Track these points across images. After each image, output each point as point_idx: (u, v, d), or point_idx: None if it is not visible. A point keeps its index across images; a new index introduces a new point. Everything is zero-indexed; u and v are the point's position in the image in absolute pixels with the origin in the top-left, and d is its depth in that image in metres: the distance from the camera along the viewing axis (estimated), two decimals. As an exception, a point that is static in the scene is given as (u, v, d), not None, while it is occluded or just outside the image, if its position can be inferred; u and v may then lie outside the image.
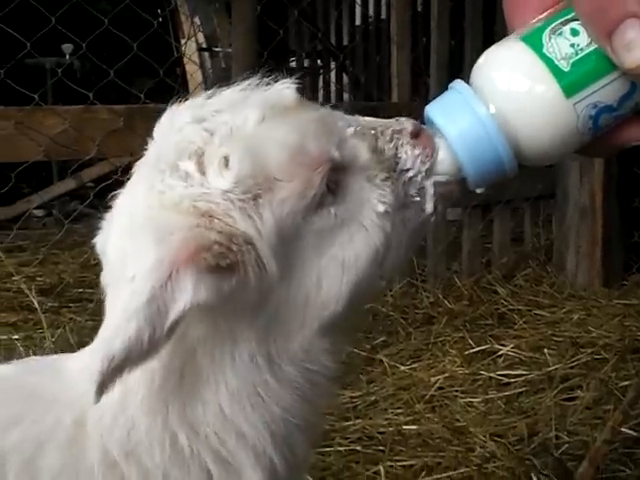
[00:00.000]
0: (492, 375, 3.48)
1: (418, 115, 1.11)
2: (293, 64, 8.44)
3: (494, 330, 4.12)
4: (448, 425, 3.06)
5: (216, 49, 10.05)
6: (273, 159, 1.00)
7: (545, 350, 3.68)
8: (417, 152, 1.09)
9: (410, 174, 1.10)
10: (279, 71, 1.13)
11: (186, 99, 1.10)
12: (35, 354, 3.59)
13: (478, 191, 1.07)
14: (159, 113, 3.44)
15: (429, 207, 1.11)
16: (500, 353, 3.69)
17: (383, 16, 7.85)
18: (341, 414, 3.28)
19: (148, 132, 3.47)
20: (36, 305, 4.03)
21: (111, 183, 4.91)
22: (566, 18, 0.92)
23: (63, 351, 3.45)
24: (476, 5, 4.87)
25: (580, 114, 0.92)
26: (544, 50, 0.92)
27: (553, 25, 0.93)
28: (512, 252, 5.09)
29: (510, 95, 0.94)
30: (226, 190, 0.98)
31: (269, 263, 0.99)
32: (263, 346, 1.04)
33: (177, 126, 1.05)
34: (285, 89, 1.09)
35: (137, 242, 0.97)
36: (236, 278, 0.97)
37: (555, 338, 3.91)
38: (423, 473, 2.75)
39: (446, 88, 1.03)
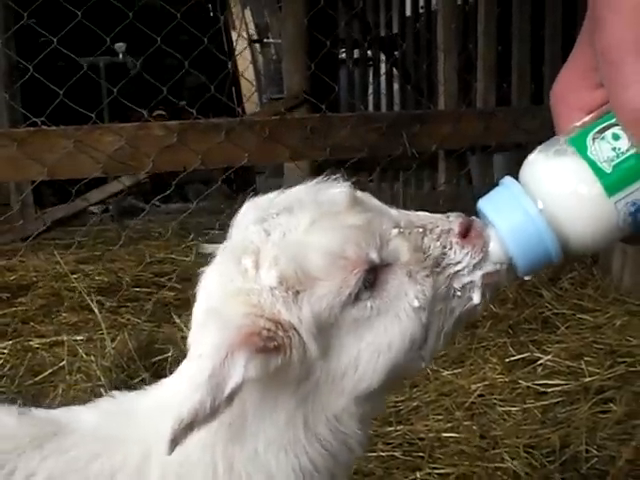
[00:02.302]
0: (530, 384, 3.57)
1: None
2: (343, 54, 8.52)
3: (537, 335, 4.18)
4: (485, 434, 3.17)
5: (267, 40, 10.23)
6: (314, 262, 1.17)
7: (584, 359, 3.75)
8: (465, 251, 1.22)
9: (457, 268, 1.23)
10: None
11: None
12: (96, 359, 3.80)
13: (526, 278, 1.19)
14: (210, 128, 3.67)
15: (476, 298, 1.24)
16: (540, 362, 3.76)
17: (435, 7, 7.88)
18: (385, 419, 3.42)
19: (200, 146, 3.70)
20: (94, 308, 4.20)
21: (165, 181, 5.11)
22: (609, 123, 1.01)
23: (122, 356, 3.65)
24: (523, 10, 4.92)
25: (621, 211, 1.01)
26: (588, 153, 1.01)
27: (597, 129, 1.02)
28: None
29: (557, 194, 1.04)
30: (272, 287, 1.17)
31: (310, 347, 1.18)
32: (300, 410, 1.24)
33: (245, 223, 1.25)
34: (338, 194, 1.24)
35: (206, 325, 1.19)
36: (281, 357, 1.16)
37: (596, 345, 3.96)
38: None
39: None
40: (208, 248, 1.31)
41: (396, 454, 3.10)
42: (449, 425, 3.30)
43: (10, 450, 1.29)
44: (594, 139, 1.02)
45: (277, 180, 8.21)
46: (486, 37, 4.77)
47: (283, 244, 1.19)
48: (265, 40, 9.99)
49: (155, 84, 4.36)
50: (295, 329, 1.17)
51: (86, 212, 6.77)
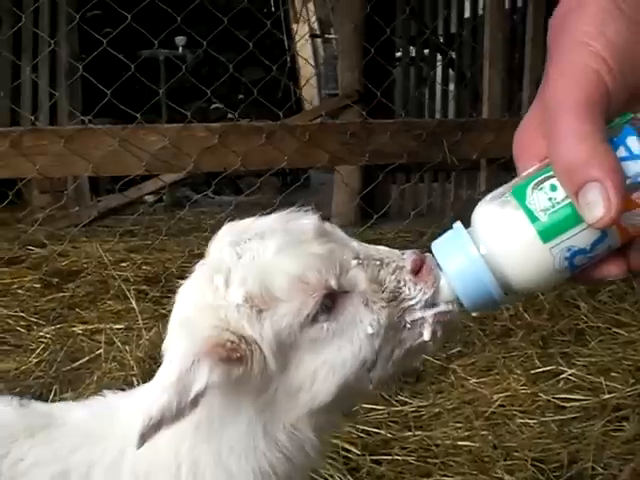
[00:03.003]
0: (550, 398, 3.59)
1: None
2: (399, 53, 8.51)
3: (569, 347, 4.19)
4: (498, 445, 3.21)
5: (329, 35, 10.26)
6: (278, 284, 1.29)
7: (609, 375, 3.75)
8: (418, 287, 1.31)
9: (410, 303, 1.32)
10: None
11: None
12: (131, 348, 3.95)
13: (474, 314, 1.28)
14: (251, 131, 3.80)
15: (427, 335, 1.33)
16: (563, 376, 3.78)
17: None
18: (405, 423, 3.48)
19: (241, 148, 3.82)
20: (132, 300, 4.32)
21: (219, 172, 5.20)
22: (548, 174, 1.08)
23: (156, 347, 3.76)
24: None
25: (556, 257, 1.08)
26: (526, 202, 1.09)
27: (537, 180, 1.09)
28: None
29: (497, 240, 1.12)
30: (239, 304, 1.29)
31: (269, 361, 1.30)
32: (260, 418, 1.36)
33: (221, 245, 1.36)
34: (307, 224, 1.36)
35: (178, 334, 1.33)
36: (243, 368, 1.28)
37: (624, 361, 3.96)
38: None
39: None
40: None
41: (410, 459, 3.15)
42: (466, 434, 3.34)
43: (5, 437, 1.43)
44: (533, 189, 1.09)
45: (329, 175, 8.31)
46: (534, 45, 4.77)
47: (251, 266, 1.30)
48: (326, 35, 10.07)
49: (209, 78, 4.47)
50: (257, 344, 1.28)
51: (140, 201, 6.95)
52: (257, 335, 1.28)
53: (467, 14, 8.55)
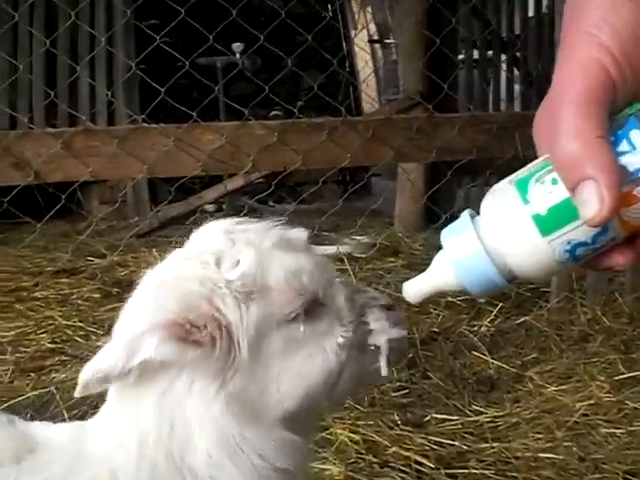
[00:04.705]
0: (638, 406, 3.36)
1: None
2: (461, 56, 8.34)
3: (652, 352, 3.97)
4: (585, 457, 2.99)
5: (387, 41, 10.10)
6: (273, 272, 1.32)
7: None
8: (381, 315, 1.42)
9: (371, 327, 1.41)
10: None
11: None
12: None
13: (481, 300, 1.24)
14: (312, 128, 3.59)
15: (383, 361, 1.41)
16: (651, 382, 3.55)
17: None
18: (480, 434, 3.29)
19: (301, 146, 3.61)
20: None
21: (279, 181, 5.12)
22: (551, 167, 1.07)
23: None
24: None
25: (556, 250, 1.08)
26: (527, 195, 1.08)
27: (540, 173, 1.08)
28: (682, 266, 4.85)
29: (498, 231, 1.12)
30: (230, 280, 1.30)
31: (242, 346, 1.30)
32: (235, 409, 1.31)
33: (210, 233, 1.38)
34: (300, 233, 1.43)
35: (144, 300, 1.34)
36: (202, 351, 1.27)
37: None
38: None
39: None
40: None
41: (488, 472, 2.97)
42: (548, 445, 3.15)
43: None
44: (535, 182, 1.09)
45: (391, 183, 8.16)
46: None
47: (248, 250, 1.33)
48: (385, 41, 9.91)
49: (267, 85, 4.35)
50: (227, 327, 1.28)
51: (200, 210, 6.87)
52: (236, 317, 1.29)
53: (531, 12, 8.34)
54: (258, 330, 1.30)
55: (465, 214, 1.17)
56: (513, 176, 1.14)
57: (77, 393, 1.26)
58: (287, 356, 1.34)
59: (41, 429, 1.43)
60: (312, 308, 1.35)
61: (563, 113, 1.01)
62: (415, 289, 1.31)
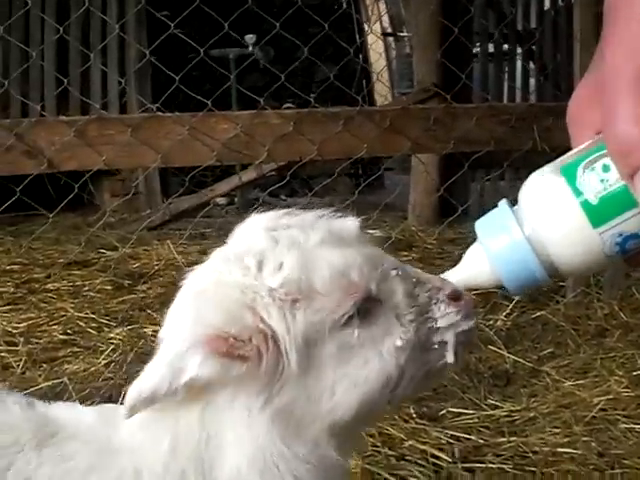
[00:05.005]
0: (657, 401, 3.31)
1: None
2: (477, 49, 8.28)
3: (671, 347, 3.92)
4: (604, 452, 2.95)
5: (401, 34, 10.04)
6: (318, 274, 1.21)
7: None
8: (449, 310, 1.27)
9: (437, 325, 1.28)
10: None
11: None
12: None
13: (516, 297, 1.19)
14: (328, 117, 3.53)
15: (450, 357, 1.28)
16: (670, 377, 3.50)
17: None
18: (497, 429, 3.25)
19: (317, 136, 3.55)
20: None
21: (292, 174, 5.09)
22: (601, 153, 1.01)
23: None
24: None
25: (606, 241, 1.02)
26: (576, 183, 1.03)
27: (589, 159, 1.03)
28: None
29: (544, 222, 1.06)
30: (272, 288, 1.20)
31: (291, 358, 1.20)
32: (279, 424, 1.23)
33: (252, 230, 1.28)
34: (350, 223, 1.31)
35: (185, 310, 1.26)
36: (248, 366, 1.19)
37: None
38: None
39: None
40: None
41: (505, 467, 2.93)
42: (566, 440, 3.10)
43: (9, 444, 1.28)
44: (584, 169, 1.03)
45: (405, 177, 8.11)
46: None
47: (291, 253, 1.22)
48: (399, 34, 9.86)
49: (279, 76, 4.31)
50: (275, 339, 1.19)
51: (212, 203, 6.84)
52: (283, 327, 1.20)
53: (547, 5, 8.28)
54: (307, 339, 1.21)
55: (503, 203, 1.12)
56: (557, 162, 1.08)
57: (125, 416, 1.20)
58: (341, 364, 1.23)
59: (64, 411, 1.36)
60: (367, 307, 1.23)
61: (620, 94, 0.96)
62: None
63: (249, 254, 1.23)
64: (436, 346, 1.28)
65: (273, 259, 1.22)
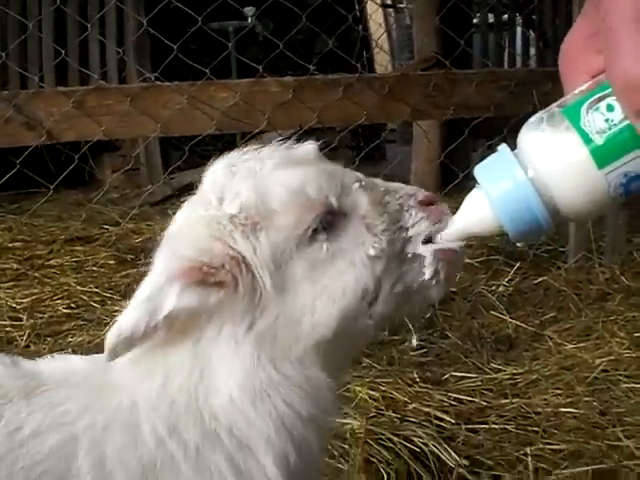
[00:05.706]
0: (659, 361, 3.33)
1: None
2: (476, 20, 8.22)
3: (671, 310, 3.92)
4: (605, 411, 2.97)
5: (401, 5, 9.98)
6: (275, 195, 1.25)
7: None
8: (421, 215, 1.27)
9: (410, 233, 1.28)
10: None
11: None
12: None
13: (518, 245, 1.18)
14: (327, 85, 3.52)
15: (428, 273, 1.27)
16: (671, 337, 3.51)
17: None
18: (500, 391, 3.26)
19: (316, 104, 3.54)
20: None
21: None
22: (604, 93, 1.00)
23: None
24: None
25: (611, 182, 1.00)
26: (581, 123, 1.01)
27: (592, 99, 1.01)
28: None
29: (547, 163, 1.03)
30: (233, 214, 1.25)
31: (264, 279, 1.23)
32: (264, 352, 1.26)
33: (214, 171, 1.34)
34: (309, 146, 1.34)
35: (161, 250, 1.31)
36: (225, 292, 1.22)
37: None
38: (569, 460, 2.69)
39: None
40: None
41: (509, 427, 2.96)
42: (568, 400, 3.13)
43: None
44: (588, 109, 1.01)
45: (406, 148, 8.07)
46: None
47: (247, 180, 1.27)
48: (398, 5, 9.80)
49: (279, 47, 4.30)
50: (246, 263, 1.23)
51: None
52: (250, 250, 1.24)
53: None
54: (275, 259, 1.23)
55: (503, 147, 1.09)
56: (558, 103, 1.06)
57: (106, 359, 1.22)
58: (315, 279, 1.24)
59: (50, 364, 1.38)
60: (332, 221, 1.25)
61: (624, 31, 0.94)
62: (444, 233, 1.24)
63: (211, 191, 1.29)
64: (409, 256, 1.27)
65: (231, 190, 1.27)
